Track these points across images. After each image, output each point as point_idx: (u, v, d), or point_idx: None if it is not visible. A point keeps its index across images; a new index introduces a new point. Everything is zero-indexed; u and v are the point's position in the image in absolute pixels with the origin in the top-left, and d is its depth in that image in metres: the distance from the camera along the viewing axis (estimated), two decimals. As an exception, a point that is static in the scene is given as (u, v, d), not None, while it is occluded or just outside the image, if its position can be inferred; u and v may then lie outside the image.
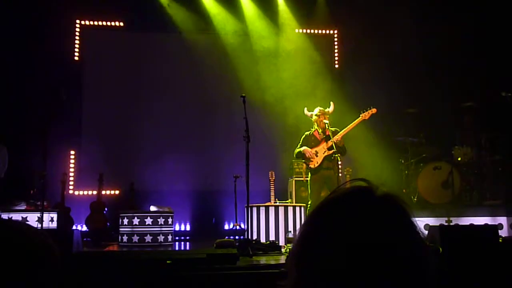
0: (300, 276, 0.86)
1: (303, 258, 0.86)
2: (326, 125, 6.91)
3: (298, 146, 7.13)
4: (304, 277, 0.85)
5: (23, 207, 7.58)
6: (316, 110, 7.06)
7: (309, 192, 7.10)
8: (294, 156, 7.23)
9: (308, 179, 7.17)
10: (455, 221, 7.18)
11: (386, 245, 0.82)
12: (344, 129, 6.96)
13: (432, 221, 7.16)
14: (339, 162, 7.00)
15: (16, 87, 8.80)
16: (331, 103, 7.18)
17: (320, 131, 7.04)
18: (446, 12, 9.34)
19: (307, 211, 7.12)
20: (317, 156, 6.97)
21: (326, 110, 7.07)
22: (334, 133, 6.90)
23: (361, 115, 7.04)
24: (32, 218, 7.33)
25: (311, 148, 6.96)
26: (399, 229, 0.85)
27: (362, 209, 0.86)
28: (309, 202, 7.05)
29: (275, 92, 9.46)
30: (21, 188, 8.07)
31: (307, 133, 7.19)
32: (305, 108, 7.22)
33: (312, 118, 7.10)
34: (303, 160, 7.24)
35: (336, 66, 10.64)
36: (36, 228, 1.10)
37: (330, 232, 0.84)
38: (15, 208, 7.50)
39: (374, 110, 7.02)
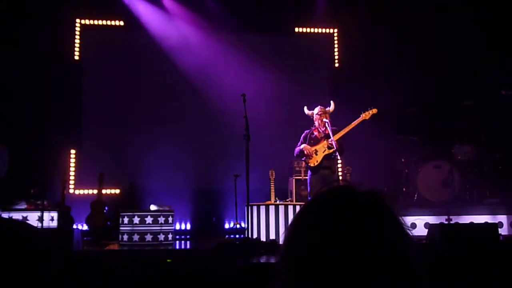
0: (288, 277, 0.86)
1: (289, 260, 0.87)
2: (327, 123, 6.91)
3: (298, 145, 7.13)
4: (291, 277, 0.86)
5: (24, 206, 7.57)
6: (317, 109, 7.06)
7: (309, 190, 7.12)
8: (295, 153, 7.24)
9: (308, 177, 7.18)
10: (455, 219, 7.19)
11: (370, 243, 0.83)
12: (344, 129, 6.96)
13: (432, 219, 7.17)
14: (339, 161, 7.02)
15: (16, 86, 8.79)
16: (332, 102, 7.19)
17: (320, 129, 7.04)
18: (445, 11, 9.34)
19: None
20: (316, 154, 6.98)
21: (327, 109, 7.07)
22: (335, 132, 6.90)
23: (361, 115, 7.04)
24: (32, 217, 7.34)
25: (311, 146, 6.96)
26: (382, 226, 0.86)
27: (345, 207, 0.87)
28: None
29: (275, 90, 9.46)
30: (21, 187, 8.07)
31: (307, 131, 7.19)
32: (305, 107, 7.23)
33: (312, 116, 7.11)
34: (303, 159, 7.24)
35: (336, 65, 10.64)
36: (36, 228, 1.11)
37: (313, 232, 0.85)
38: (15, 207, 7.50)
39: (374, 111, 7.02)
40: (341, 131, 6.93)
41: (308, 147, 6.93)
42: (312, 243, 0.84)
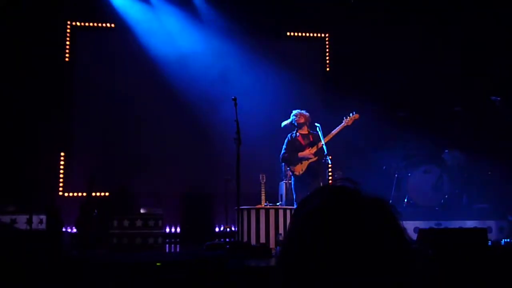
0: (287, 278, 0.86)
1: (290, 261, 0.86)
2: (318, 129, 6.95)
3: (283, 151, 7.14)
4: (290, 278, 0.85)
5: (12, 209, 7.51)
6: (296, 114, 7.11)
7: (295, 197, 7.12)
8: (280, 161, 7.25)
9: (292, 183, 7.20)
10: (445, 224, 7.22)
11: (374, 249, 0.82)
12: (327, 136, 6.97)
13: (422, 224, 7.19)
14: (329, 166, 7.04)
15: (6, 88, 8.73)
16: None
17: (303, 135, 7.07)
18: (438, 16, 9.41)
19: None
20: (301, 163, 6.99)
21: (303, 112, 7.12)
22: (317, 137, 6.92)
23: (344, 121, 7.08)
24: (21, 220, 7.27)
25: (294, 153, 7.00)
26: (387, 233, 0.85)
27: (350, 212, 0.86)
28: (295, 207, 7.10)
29: (265, 94, 9.47)
30: (10, 189, 8.00)
31: (291, 136, 7.19)
32: (283, 122, 7.29)
33: (294, 122, 7.14)
34: (288, 168, 7.26)
35: (327, 69, 10.66)
36: (22, 231, 1.10)
37: (317, 236, 0.84)
38: (4, 209, 7.43)
39: (356, 116, 7.06)
40: (324, 138, 6.92)
41: (305, 153, 6.95)
42: (311, 246, 0.84)
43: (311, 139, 7.04)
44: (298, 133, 7.16)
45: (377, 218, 0.86)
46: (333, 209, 0.87)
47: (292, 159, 7.09)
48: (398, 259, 0.84)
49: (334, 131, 7.04)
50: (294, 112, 7.25)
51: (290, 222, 0.93)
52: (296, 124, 7.15)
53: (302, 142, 7.09)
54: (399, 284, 0.82)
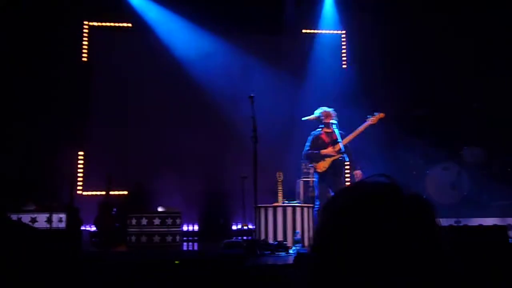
0: (323, 269, 0.84)
1: (327, 252, 0.84)
2: (334, 126, 6.94)
3: (306, 148, 7.14)
4: (327, 270, 0.83)
5: (33, 208, 7.61)
6: (321, 111, 7.10)
7: (317, 194, 7.13)
8: (303, 157, 7.24)
9: (315, 180, 7.22)
10: (464, 222, 7.15)
11: (413, 246, 0.81)
12: (351, 134, 6.97)
13: (441, 221, 7.12)
14: (347, 165, 7.04)
15: (25, 89, 8.83)
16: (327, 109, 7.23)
17: (327, 133, 7.06)
18: (457, 11, 9.29)
19: (316, 213, 7.13)
20: (324, 160, 7.00)
21: (331, 111, 7.11)
22: (342, 136, 6.92)
23: (368, 119, 7.04)
24: (41, 219, 7.37)
25: (318, 151, 7.00)
26: (427, 230, 0.84)
27: (392, 209, 0.84)
28: (317, 203, 7.11)
29: (282, 91, 9.46)
30: (30, 188, 8.10)
31: (315, 134, 7.19)
32: (303, 118, 7.28)
33: (318, 120, 7.13)
34: (310, 164, 7.26)
35: (344, 66, 10.61)
36: (42, 231, 1.11)
37: (358, 232, 0.82)
38: (24, 208, 7.54)
39: (382, 115, 7.02)
40: (348, 136, 6.95)
41: (330, 150, 6.96)
42: (348, 241, 0.82)
43: (334, 137, 7.04)
44: (322, 131, 7.15)
45: (418, 216, 0.84)
46: (375, 204, 0.85)
47: (315, 156, 7.10)
48: (438, 259, 0.82)
49: (359, 129, 7.02)
50: (320, 109, 7.22)
51: (321, 219, 0.91)
52: (322, 120, 7.14)
53: (326, 139, 7.09)
54: (438, 284, 0.80)
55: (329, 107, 7.32)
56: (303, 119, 7.37)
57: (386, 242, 0.80)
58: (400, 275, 0.78)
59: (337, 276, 0.82)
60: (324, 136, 7.11)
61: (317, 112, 7.20)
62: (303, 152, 7.22)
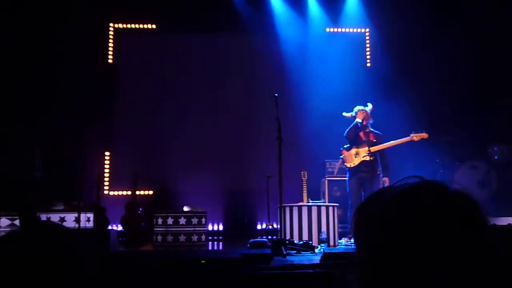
0: (380, 269, 0.83)
1: (382, 251, 0.83)
2: (370, 126, 6.98)
3: (346, 133, 7.12)
4: (384, 269, 0.82)
5: (61, 207, 7.74)
6: (359, 110, 7.09)
7: (349, 191, 7.14)
8: (345, 135, 7.20)
9: (347, 178, 7.21)
10: (493, 221, 7.01)
11: (462, 243, 0.79)
12: (389, 143, 6.96)
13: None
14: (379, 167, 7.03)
15: (52, 91, 8.98)
16: (369, 103, 7.19)
17: (365, 132, 7.06)
18: (482, 9, 9.13)
19: (351, 211, 7.11)
20: (356, 157, 7.00)
21: (367, 109, 7.10)
22: (378, 137, 6.94)
23: (411, 135, 6.96)
24: (69, 218, 7.50)
25: (354, 144, 6.99)
26: (475, 227, 0.82)
27: (439, 205, 0.83)
28: (349, 202, 7.15)
29: (306, 91, 9.43)
30: (58, 188, 8.24)
31: (355, 126, 7.12)
32: (344, 113, 7.25)
33: (355, 118, 7.12)
34: (341, 157, 7.25)
35: (368, 65, 10.52)
36: (71, 230, 1.12)
37: (397, 230, 0.82)
38: (53, 208, 7.68)
39: (425, 135, 6.92)
40: (385, 144, 6.94)
41: (364, 149, 6.97)
42: (393, 241, 0.81)
43: (371, 138, 7.02)
44: (361, 126, 7.13)
45: (469, 216, 0.83)
46: (434, 219, 0.83)
47: (354, 138, 7.10)
48: (488, 255, 0.81)
49: (397, 141, 6.99)
50: (357, 108, 7.19)
51: (366, 227, 0.88)
52: (358, 119, 7.13)
53: (363, 137, 7.08)
54: (486, 281, 0.79)
55: (349, 107, 7.30)
56: (343, 114, 7.33)
57: (437, 245, 0.79)
58: (453, 278, 0.77)
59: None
60: (362, 134, 7.10)
61: (355, 110, 7.19)
62: (345, 133, 7.17)
